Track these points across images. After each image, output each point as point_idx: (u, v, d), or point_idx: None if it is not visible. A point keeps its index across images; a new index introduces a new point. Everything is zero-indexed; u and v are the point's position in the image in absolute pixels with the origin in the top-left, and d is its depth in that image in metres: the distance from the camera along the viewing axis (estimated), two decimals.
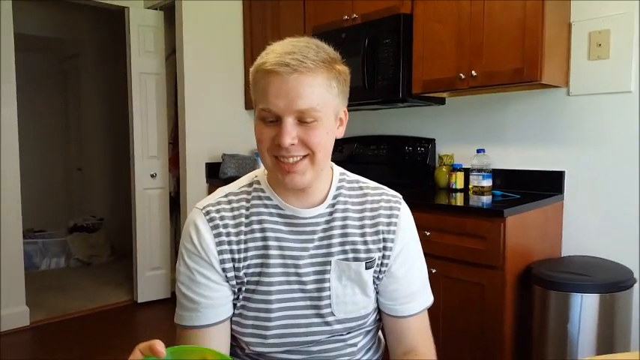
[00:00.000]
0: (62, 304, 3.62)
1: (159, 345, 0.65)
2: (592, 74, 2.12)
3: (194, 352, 0.70)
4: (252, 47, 3.41)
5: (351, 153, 3.04)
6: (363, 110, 3.03)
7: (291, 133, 0.82)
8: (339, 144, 3.09)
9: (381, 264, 0.97)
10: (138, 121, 3.49)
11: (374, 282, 0.98)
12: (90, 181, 5.43)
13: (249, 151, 3.53)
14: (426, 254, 2.10)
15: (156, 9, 3.56)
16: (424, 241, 2.02)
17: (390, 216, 0.97)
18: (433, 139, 2.72)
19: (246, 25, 3.48)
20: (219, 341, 0.92)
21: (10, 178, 3.11)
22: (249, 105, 3.55)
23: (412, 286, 0.99)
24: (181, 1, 3.26)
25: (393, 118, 2.94)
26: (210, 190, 3.10)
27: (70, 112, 5.63)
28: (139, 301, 3.59)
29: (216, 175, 3.34)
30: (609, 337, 1.80)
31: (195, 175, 3.39)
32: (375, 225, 0.97)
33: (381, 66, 2.51)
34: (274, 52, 0.83)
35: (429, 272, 2.05)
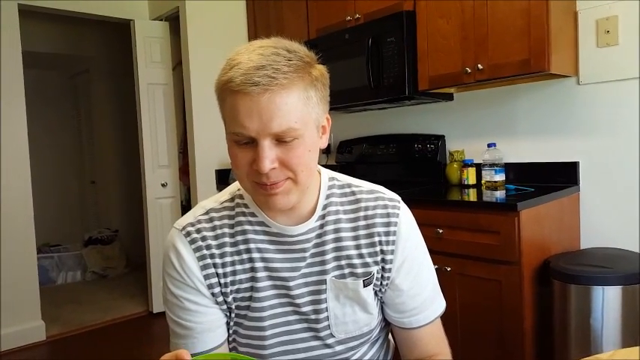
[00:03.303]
0: (78, 317, 3.63)
1: (185, 355, 0.62)
2: (602, 62, 2.08)
3: (220, 357, 0.68)
4: None
5: (361, 154, 3.01)
6: (370, 110, 3.01)
7: (269, 157, 0.73)
8: (347, 145, 3.07)
9: (382, 277, 0.88)
10: (147, 131, 3.51)
11: (376, 294, 0.90)
12: (104, 193, 5.48)
13: None
14: (439, 252, 2.08)
15: (161, 20, 3.59)
16: (437, 239, 2.01)
17: (387, 224, 0.87)
18: (443, 136, 2.68)
19: (251, 31, 3.49)
20: None
21: (22, 193, 3.14)
22: None
23: (421, 296, 0.90)
24: (185, 11, 3.28)
25: (400, 117, 2.91)
26: None
27: (82, 127, 5.70)
28: (154, 311, 3.60)
29: (226, 181, 3.34)
30: (634, 330, 1.75)
31: (205, 183, 3.39)
32: (371, 235, 0.87)
33: (385, 65, 2.49)
34: (240, 67, 0.72)
35: (444, 271, 2.03)
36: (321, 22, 2.89)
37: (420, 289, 0.91)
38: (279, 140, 0.74)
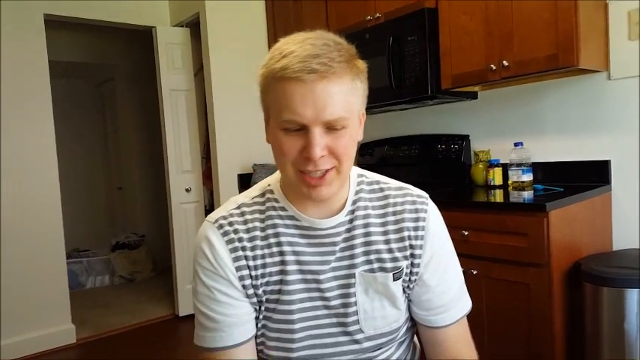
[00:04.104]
0: (107, 320, 3.69)
1: None
2: (633, 55, 1.99)
3: None
4: None
5: (382, 156, 2.97)
6: (392, 111, 2.97)
7: (320, 144, 0.75)
8: (369, 147, 3.04)
9: (410, 272, 0.88)
10: (171, 136, 3.55)
11: (404, 291, 0.90)
12: (130, 199, 5.57)
13: None
14: (465, 255, 2.02)
15: (182, 26, 3.62)
16: (462, 242, 1.96)
17: (416, 219, 0.88)
18: (467, 136, 2.62)
19: (270, 34, 3.49)
20: None
21: (51, 199, 3.21)
22: None
23: (448, 294, 0.90)
24: (205, 17, 3.30)
25: (423, 117, 2.86)
26: None
27: (108, 134, 5.83)
28: (180, 314, 3.63)
29: (248, 185, 3.32)
30: None
31: (228, 187, 3.41)
32: (400, 230, 0.88)
33: (407, 64, 2.45)
34: (296, 55, 0.74)
35: (470, 274, 1.98)
36: (341, 23, 2.87)
37: (446, 287, 0.91)
38: (329, 128, 0.76)
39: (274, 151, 0.81)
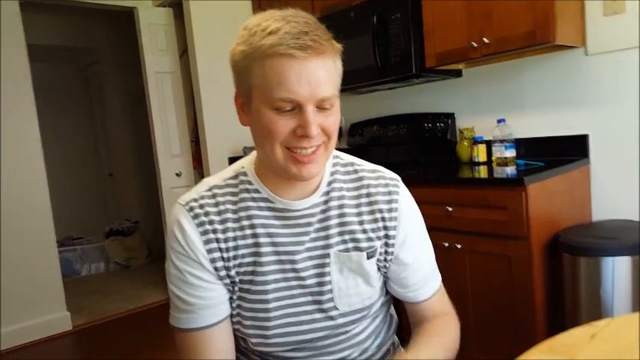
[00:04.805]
0: (103, 307, 3.72)
1: None
2: (609, 31, 2.03)
3: None
4: None
5: (372, 136, 3.00)
6: (379, 91, 2.99)
7: (315, 122, 0.75)
8: (358, 127, 3.07)
9: (386, 252, 0.92)
10: (158, 121, 3.54)
11: (379, 270, 0.94)
12: (122, 185, 5.57)
13: None
14: (449, 230, 2.08)
15: (165, 6, 3.57)
16: (447, 217, 2.02)
17: (389, 202, 0.91)
18: (452, 114, 2.66)
19: (256, 14, 3.46)
20: (222, 341, 0.88)
21: (38, 188, 3.17)
22: None
23: (422, 271, 0.96)
24: None
25: (410, 96, 2.89)
26: None
27: (96, 119, 5.78)
28: None
29: None
30: None
31: (218, 171, 3.40)
32: (373, 212, 0.90)
33: (392, 42, 2.47)
34: (285, 32, 0.72)
35: (455, 248, 2.04)
36: (326, 1, 2.86)
37: (422, 263, 0.96)
38: (319, 107, 0.76)
39: (260, 132, 0.79)
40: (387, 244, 0.91)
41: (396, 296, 0.99)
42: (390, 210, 0.91)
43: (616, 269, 1.68)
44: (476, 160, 2.46)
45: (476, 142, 2.48)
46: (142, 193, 5.39)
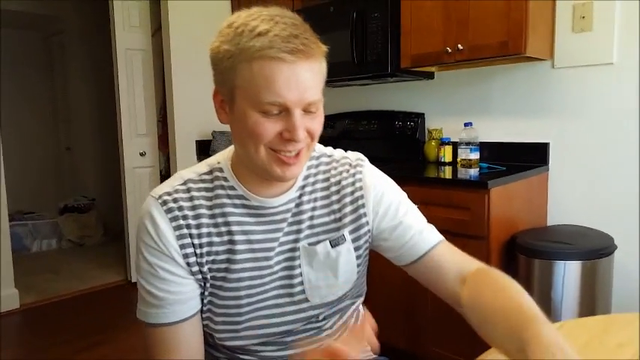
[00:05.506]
0: (54, 286, 3.60)
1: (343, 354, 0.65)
2: (576, 47, 2.14)
3: None
4: None
5: (343, 129, 3.05)
6: (354, 86, 3.03)
7: (302, 126, 0.75)
8: (330, 120, 3.10)
9: (365, 234, 0.92)
10: (125, 98, 3.46)
11: (361, 257, 0.93)
12: (80, 160, 5.39)
13: None
14: None
15: None
16: None
17: (353, 183, 0.91)
18: (422, 114, 2.73)
19: None
20: (192, 337, 0.86)
21: None
22: None
23: (416, 225, 0.92)
24: None
25: (383, 93, 2.95)
26: None
27: (57, 90, 5.54)
28: (133, 280, 3.61)
29: (207, 152, 3.34)
30: (591, 302, 1.87)
31: (185, 153, 3.39)
32: (342, 199, 0.91)
33: (369, 40, 2.51)
34: (275, 35, 0.71)
35: None
36: None
37: (411, 221, 0.93)
38: (306, 110, 0.76)
39: (243, 133, 0.77)
40: (360, 225, 0.91)
41: (403, 263, 0.94)
42: (355, 189, 0.91)
43: (567, 273, 1.80)
44: (442, 160, 2.55)
45: (443, 142, 2.57)
46: (100, 169, 5.24)
